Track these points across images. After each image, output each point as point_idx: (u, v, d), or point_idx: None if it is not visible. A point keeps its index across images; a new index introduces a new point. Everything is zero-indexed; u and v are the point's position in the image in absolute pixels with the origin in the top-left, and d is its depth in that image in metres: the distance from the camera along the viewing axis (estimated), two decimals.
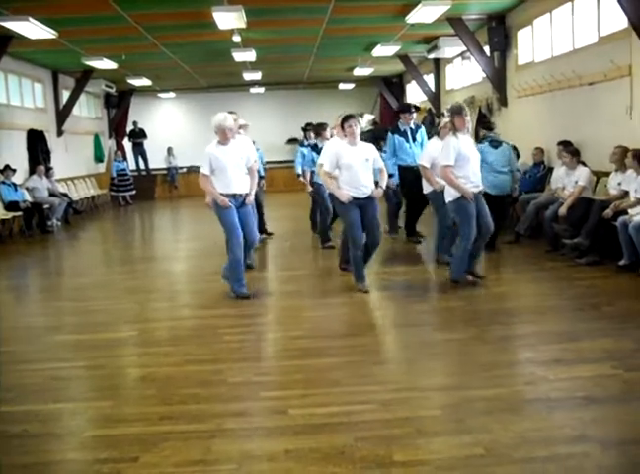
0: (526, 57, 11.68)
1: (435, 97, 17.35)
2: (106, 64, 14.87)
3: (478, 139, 10.05)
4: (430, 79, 17.75)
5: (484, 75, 13.11)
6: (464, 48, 13.22)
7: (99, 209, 18.52)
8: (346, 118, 7.04)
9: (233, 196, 6.92)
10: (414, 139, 9.85)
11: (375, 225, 7.15)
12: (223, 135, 6.86)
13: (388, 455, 3.44)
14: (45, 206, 13.89)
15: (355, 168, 6.95)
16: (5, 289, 8.69)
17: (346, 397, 4.26)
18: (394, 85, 21.59)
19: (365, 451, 3.50)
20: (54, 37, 11.03)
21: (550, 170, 10.05)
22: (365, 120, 20.59)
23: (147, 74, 17.97)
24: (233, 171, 6.90)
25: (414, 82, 18.54)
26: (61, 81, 17.25)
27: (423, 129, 10.23)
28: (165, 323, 6.48)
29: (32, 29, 10.36)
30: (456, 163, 7.01)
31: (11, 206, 12.74)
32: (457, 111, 7.13)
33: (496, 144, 9.19)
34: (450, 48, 13.94)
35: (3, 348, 5.85)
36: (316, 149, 9.99)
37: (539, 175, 10.32)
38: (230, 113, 7.92)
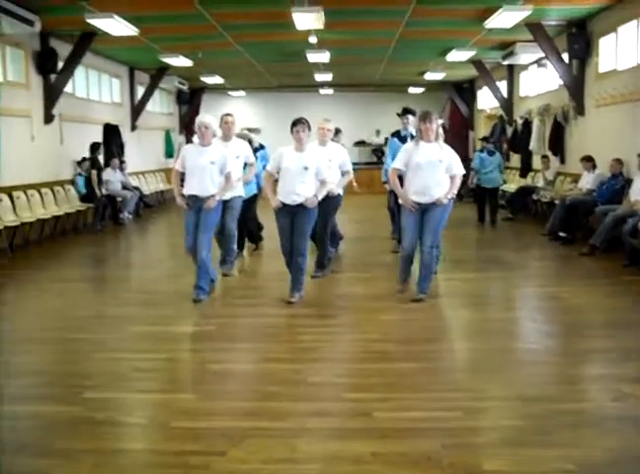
0: (608, 65, 11.40)
1: (507, 104, 17.12)
2: (181, 62, 15.13)
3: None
4: (502, 85, 17.52)
5: (561, 83, 12.86)
6: (541, 55, 13.01)
7: (168, 204, 18.81)
8: (294, 123, 6.85)
9: (194, 198, 6.95)
10: None
11: (298, 233, 6.86)
12: (199, 132, 6.94)
13: (477, 464, 3.42)
14: (118, 199, 14.21)
15: (290, 174, 6.76)
16: (79, 278, 8.90)
17: (429, 403, 4.24)
18: (464, 90, 21.36)
19: (453, 458, 3.47)
20: (136, 34, 11.25)
21: (629, 182, 9.81)
22: None
23: (220, 72, 18.20)
24: (198, 173, 6.91)
25: (485, 88, 18.34)
26: (137, 77, 17.64)
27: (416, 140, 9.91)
28: (241, 319, 6.53)
29: (115, 26, 10.59)
30: (407, 169, 6.89)
31: (86, 198, 13.05)
32: (420, 118, 6.95)
33: (491, 153, 13.38)
34: (526, 55, 13.73)
35: (81, 335, 6.01)
36: None
37: (617, 186, 10.08)
38: (226, 115, 8.23)
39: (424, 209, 6.86)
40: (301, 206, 6.79)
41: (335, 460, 3.51)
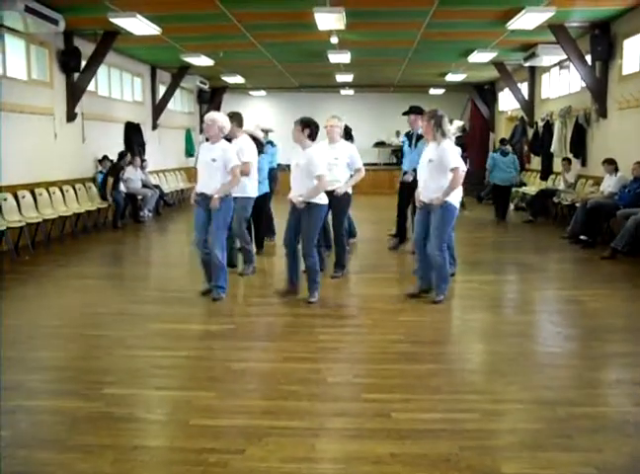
0: (632, 67, 11.29)
1: (528, 106, 17.04)
2: (203, 61, 15.21)
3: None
4: (524, 87, 17.45)
5: (583, 85, 12.79)
6: (563, 57, 12.93)
7: (187, 202, 18.84)
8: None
9: (203, 195, 6.98)
10: (415, 145, 9.48)
11: (303, 236, 6.89)
12: (205, 126, 6.96)
13: (496, 466, 3.41)
14: (139, 197, 14.30)
15: (293, 173, 6.85)
16: (99, 276, 8.95)
17: (447, 404, 4.24)
18: (485, 92, 21.29)
19: (472, 461, 3.47)
20: (158, 33, 11.32)
21: None
22: (454, 127, 20.38)
23: (241, 72, 18.25)
24: (202, 169, 6.98)
25: (507, 89, 18.28)
26: (158, 76, 17.74)
27: (424, 140, 9.82)
28: (261, 318, 6.57)
29: (138, 25, 10.67)
30: None
31: (106, 196, 13.14)
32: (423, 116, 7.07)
33: (505, 154, 14.42)
34: (548, 56, 13.64)
35: (100, 332, 6.06)
36: None
37: (639, 190, 10.00)
38: (232, 114, 8.07)
39: (428, 211, 6.87)
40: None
41: (354, 460, 3.51)
